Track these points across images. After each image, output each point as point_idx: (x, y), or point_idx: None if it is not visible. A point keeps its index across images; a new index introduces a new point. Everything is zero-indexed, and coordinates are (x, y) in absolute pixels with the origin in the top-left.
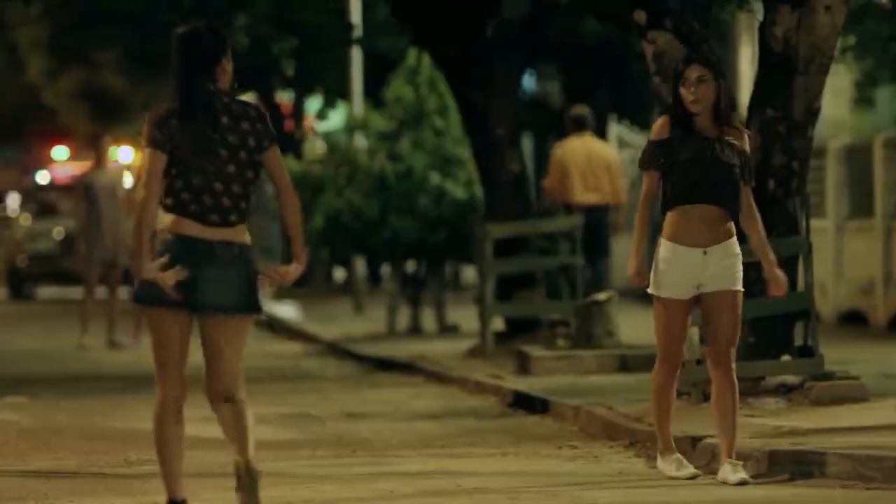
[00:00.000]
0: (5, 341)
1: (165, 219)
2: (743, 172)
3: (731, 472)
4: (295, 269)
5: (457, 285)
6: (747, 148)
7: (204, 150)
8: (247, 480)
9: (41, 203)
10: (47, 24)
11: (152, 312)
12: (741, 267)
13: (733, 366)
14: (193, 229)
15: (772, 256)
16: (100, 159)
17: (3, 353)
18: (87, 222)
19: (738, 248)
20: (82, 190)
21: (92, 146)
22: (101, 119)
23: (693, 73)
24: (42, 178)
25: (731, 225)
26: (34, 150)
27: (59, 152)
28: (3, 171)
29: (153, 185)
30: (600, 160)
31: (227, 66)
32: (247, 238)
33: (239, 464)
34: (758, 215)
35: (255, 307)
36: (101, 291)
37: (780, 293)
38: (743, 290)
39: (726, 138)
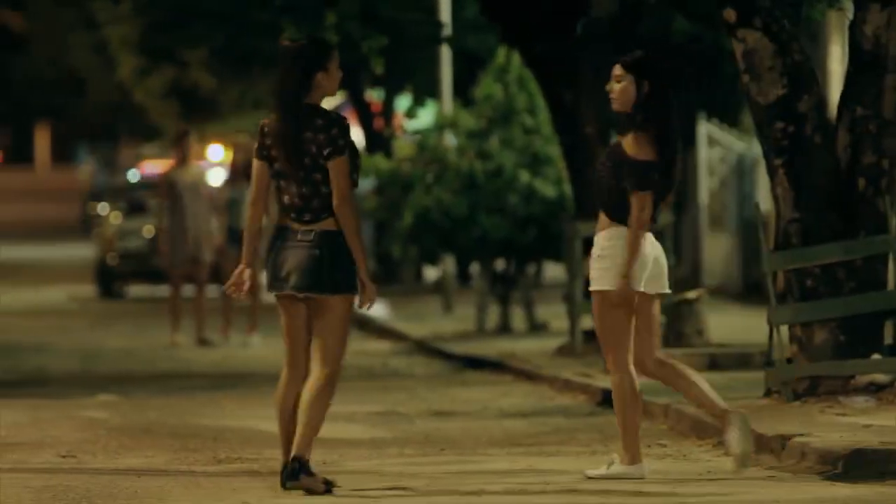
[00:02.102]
0: (96, 339)
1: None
2: (623, 178)
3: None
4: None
5: (537, 283)
6: (635, 154)
7: (283, 156)
8: (287, 471)
9: (131, 201)
10: (137, 22)
11: (278, 301)
12: (603, 265)
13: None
14: (286, 221)
15: (626, 256)
16: (183, 157)
17: (94, 352)
18: (170, 220)
19: (601, 249)
20: (165, 188)
21: (176, 144)
22: (190, 117)
23: (614, 71)
24: (132, 176)
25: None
26: (125, 148)
27: (150, 150)
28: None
29: (256, 191)
30: None
31: (324, 78)
32: (331, 225)
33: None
34: (633, 220)
35: (329, 288)
36: (189, 289)
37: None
38: (601, 290)
39: (617, 142)
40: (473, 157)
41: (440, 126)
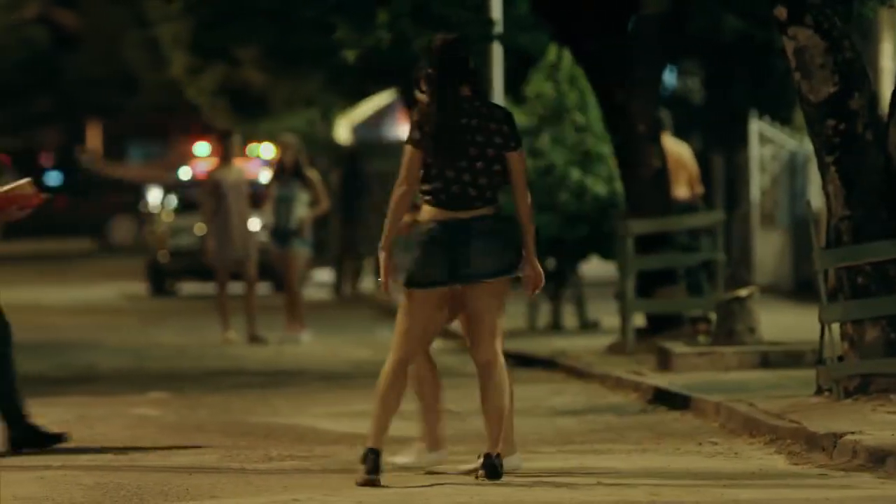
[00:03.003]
0: (147, 337)
1: (426, 209)
2: None
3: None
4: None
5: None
6: None
7: (454, 148)
8: (485, 468)
9: (183, 199)
10: (188, 20)
11: (417, 293)
12: None
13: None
14: (448, 215)
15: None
16: (227, 156)
17: (145, 349)
18: (215, 219)
19: None
20: (210, 187)
21: (220, 143)
22: (241, 115)
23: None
24: (184, 174)
25: None
26: (176, 146)
27: (201, 148)
28: (146, 167)
29: (409, 178)
30: (671, 157)
31: (473, 68)
32: (495, 211)
33: (485, 450)
34: None
35: (511, 269)
36: (238, 286)
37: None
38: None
39: None
40: (524, 154)
41: None
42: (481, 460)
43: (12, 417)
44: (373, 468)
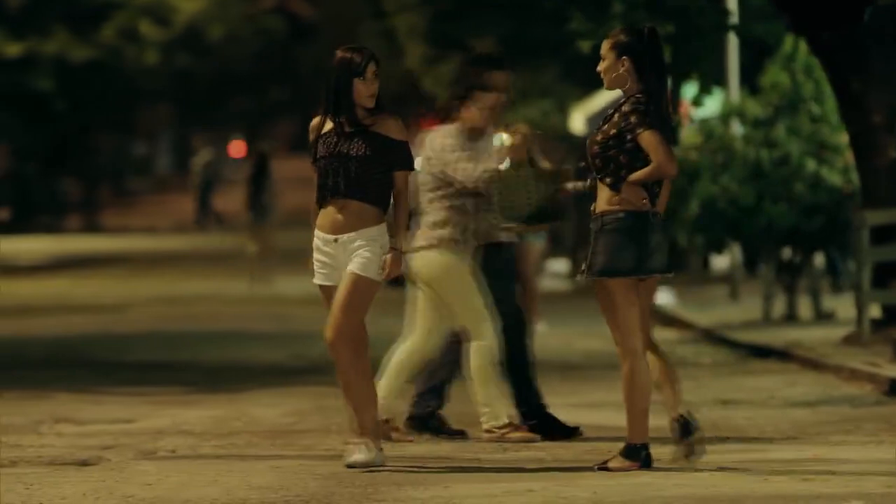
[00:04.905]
0: (381, 327)
1: (614, 199)
2: (392, 160)
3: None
4: None
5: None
6: (400, 137)
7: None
8: (678, 429)
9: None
10: (425, 11)
11: (624, 282)
12: (371, 254)
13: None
14: (648, 206)
15: (400, 243)
16: None
17: (379, 339)
18: None
19: (374, 241)
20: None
21: None
22: None
23: (372, 69)
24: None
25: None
26: (412, 136)
27: None
28: None
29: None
30: None
31: None
32: None
33: (671, 415)
34: (404, 199)
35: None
36: None
37: (390, 274)
38: (370, 277)
39: (370, 130)
40: (760, 145)
41: (727, 114)
42: None
43: (532, 406)
44: (645, 463)
